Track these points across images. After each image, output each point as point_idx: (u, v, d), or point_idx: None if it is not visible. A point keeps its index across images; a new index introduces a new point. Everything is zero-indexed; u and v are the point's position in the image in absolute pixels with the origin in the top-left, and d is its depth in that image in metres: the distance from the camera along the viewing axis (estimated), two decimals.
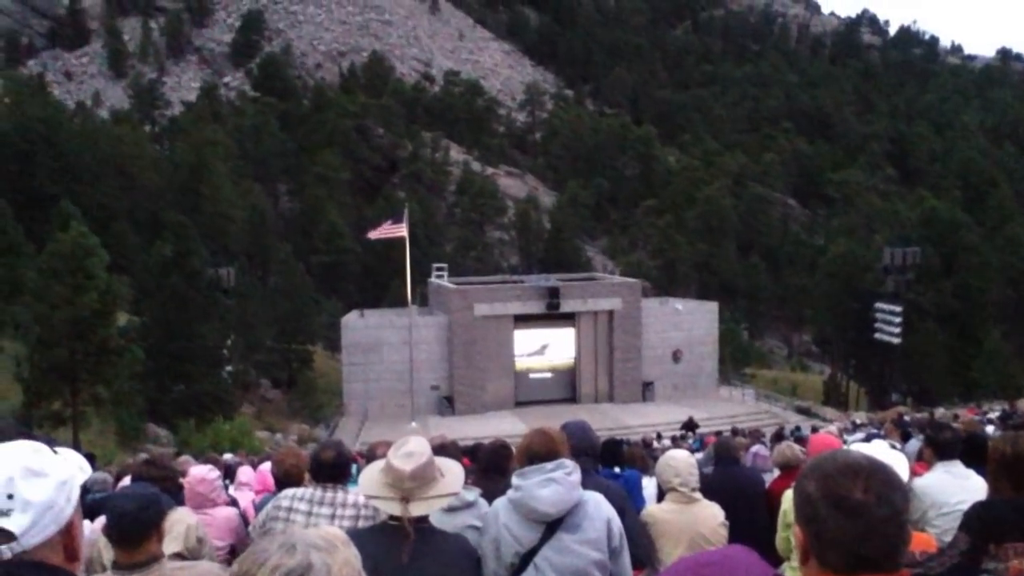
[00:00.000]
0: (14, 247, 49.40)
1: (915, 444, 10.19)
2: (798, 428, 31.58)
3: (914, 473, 6.35)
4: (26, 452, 2.27)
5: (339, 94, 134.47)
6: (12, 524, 2.18)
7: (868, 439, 12.79)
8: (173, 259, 47.02)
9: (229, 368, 49.83)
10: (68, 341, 34.96)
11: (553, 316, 47.79)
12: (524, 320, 47.83)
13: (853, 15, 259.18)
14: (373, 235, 42.93)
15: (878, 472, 1.81)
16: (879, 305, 56.26)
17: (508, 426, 39.09)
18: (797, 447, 7.88)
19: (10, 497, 2.18)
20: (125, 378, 37.28)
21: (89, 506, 5.98)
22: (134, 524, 3.42)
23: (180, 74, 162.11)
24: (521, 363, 48.57)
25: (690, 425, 36.76)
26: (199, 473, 6.14)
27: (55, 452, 2.42)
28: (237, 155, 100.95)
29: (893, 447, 6.02)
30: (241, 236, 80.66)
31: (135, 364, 38.16)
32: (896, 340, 54.62)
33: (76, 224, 38.30)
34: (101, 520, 4.70)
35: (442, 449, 4.84)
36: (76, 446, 31.42)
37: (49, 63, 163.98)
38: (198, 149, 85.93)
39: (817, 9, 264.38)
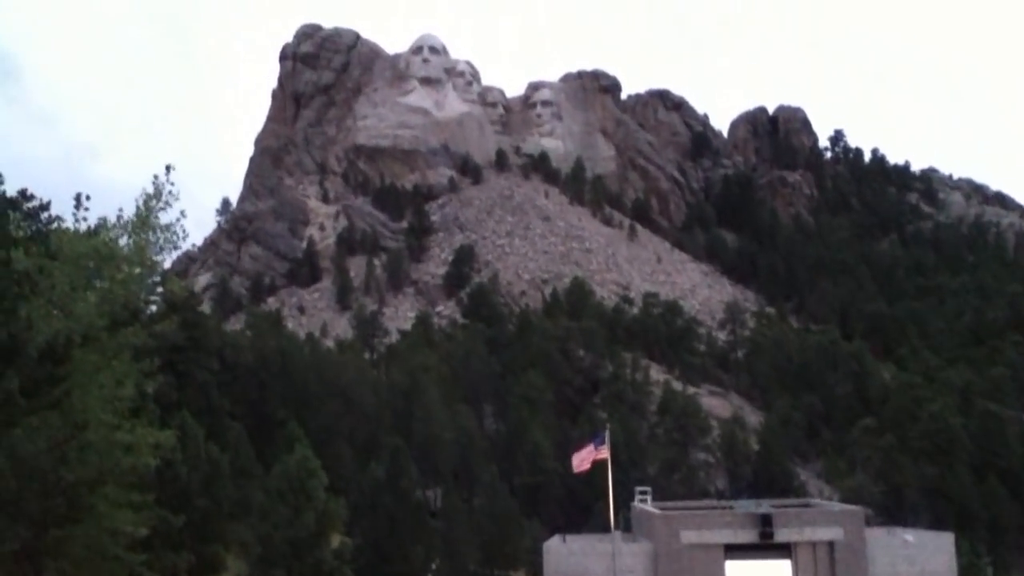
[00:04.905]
0: (245, 469, 53.13)
1: None
2: None
3: None
4: None
5: (542, 318, 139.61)
6: None
7: None
8: (386, 480, 48.79)
9: None
10: (286, 560, 36.46)
11: (767, 546, 44.71)
12: (735, 550, 44.99)
13: None
14: (577, 469, 42.85)
15: None
16: None
17: None
18: None
19: None
20: None
21: None
22: None
23: (398, 305, 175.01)
24: None
25: None
26: None
27: None
28: (448, 378, 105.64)
29: None
30: (449, 456, 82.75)
31: None
32: None
33: (301, 447, 41.01)
34: None
35: None
36: None
37: (285, 299, 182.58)
38: (412, 373, 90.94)
39: None
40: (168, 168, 20.31)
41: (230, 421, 55.51)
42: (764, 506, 47.81)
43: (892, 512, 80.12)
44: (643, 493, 52.53)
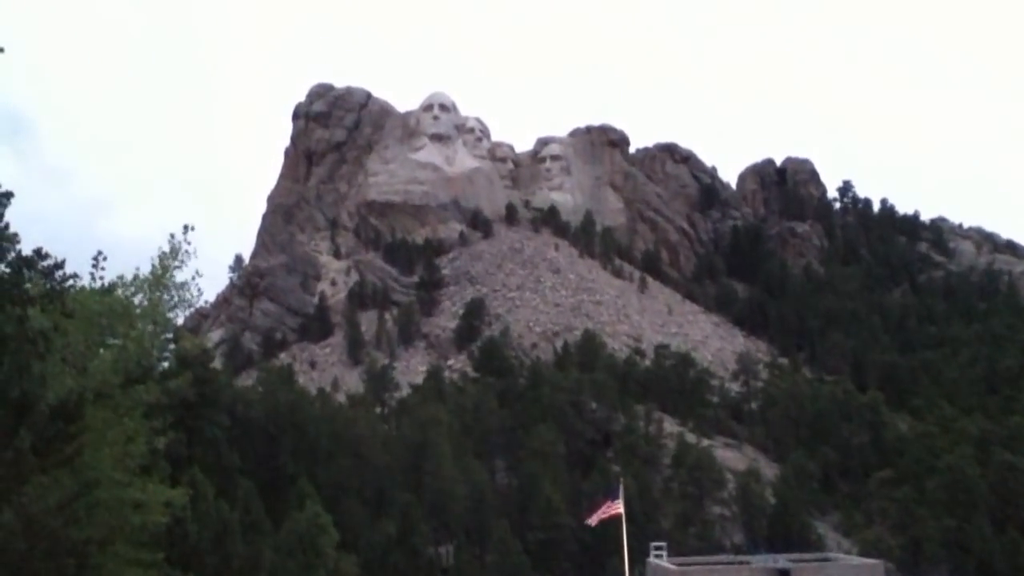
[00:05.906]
0: (255, 526, 52.70)
1: None
2: None
3: None
4: None
5: (554, 371, 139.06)
6: None
7: None
8: (397, 537, 48.32)
9: None
10: None
11: None
12: None
13: None
14: (592, 521, 42.54)
15: None
16: None
17: None
18: None
19: None
20: None
21: None
22: None
23: (409, 359, 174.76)
24: None
25: None
26: None
27: None
28: (459, 432, 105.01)
29: None
30: (461, 512, 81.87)
31: None
32: None
33: (311, 503, 40.77)
34: None
35: None
36: None
37: (297, 354, 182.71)
38: (423, 428, 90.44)
39: None
40: (186, 228, 20.67)
41: (240, 477, 55.25)
42: (781, 561, 47.16)
43: (912, 565, 78.75)
44: (658, 548, 51.85)
